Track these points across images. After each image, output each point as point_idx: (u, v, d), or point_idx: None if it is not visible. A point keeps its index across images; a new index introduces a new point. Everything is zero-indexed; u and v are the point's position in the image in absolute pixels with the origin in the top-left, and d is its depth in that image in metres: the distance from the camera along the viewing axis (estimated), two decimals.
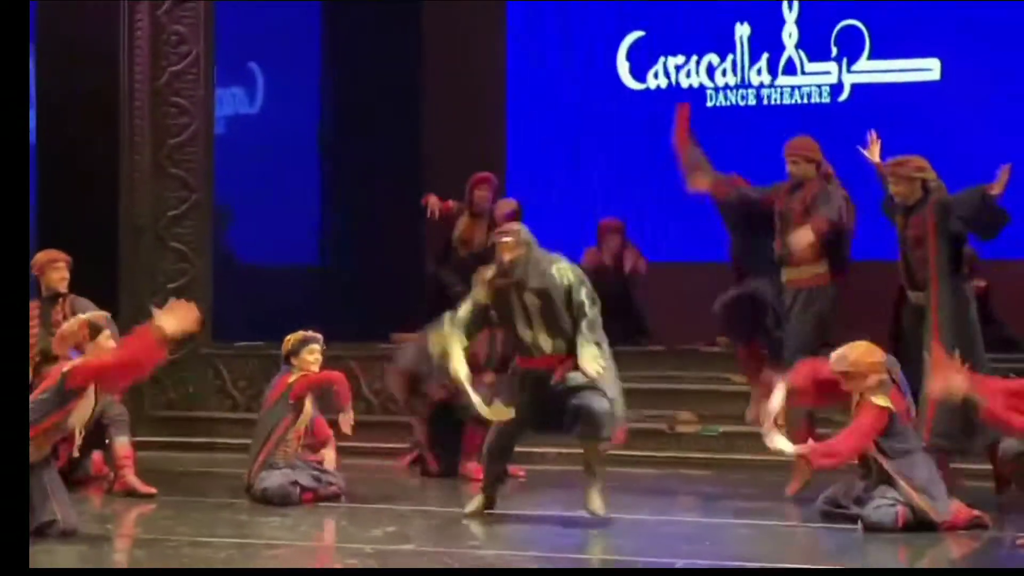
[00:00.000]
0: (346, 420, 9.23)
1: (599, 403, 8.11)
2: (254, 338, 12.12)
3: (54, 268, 9.99)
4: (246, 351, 12.26)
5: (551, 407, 8.26)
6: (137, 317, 11.53)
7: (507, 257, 8.24)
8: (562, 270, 8.25)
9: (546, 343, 8.23)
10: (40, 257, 10.01)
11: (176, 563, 7.22)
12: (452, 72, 14.06)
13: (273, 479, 9.13)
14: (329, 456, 9.49)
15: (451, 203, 11.28)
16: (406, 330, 12.45)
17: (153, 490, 9.49)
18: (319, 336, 9.36)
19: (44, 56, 12.58)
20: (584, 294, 8.19)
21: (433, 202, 11.21)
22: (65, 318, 9.67)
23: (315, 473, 9.30)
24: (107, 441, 9.72)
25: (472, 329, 8.31)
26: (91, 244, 10.60)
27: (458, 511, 8.65)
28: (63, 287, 9.98)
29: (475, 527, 8.34)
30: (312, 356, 9.33)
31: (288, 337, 9.39)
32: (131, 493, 9.46)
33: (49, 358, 9.72)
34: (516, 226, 8.50)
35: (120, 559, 7.83)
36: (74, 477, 9.75)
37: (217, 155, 12.68)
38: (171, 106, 12.57)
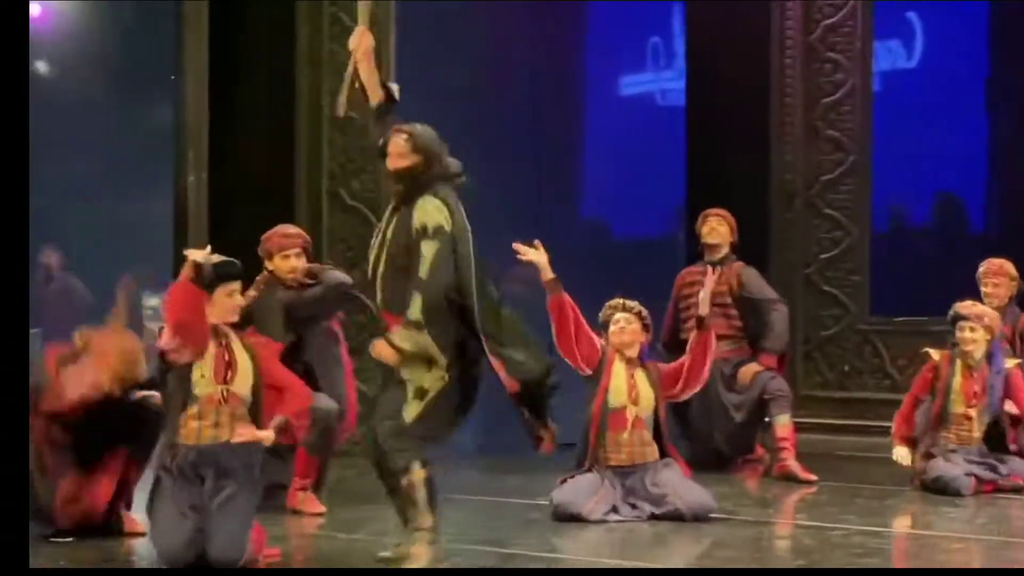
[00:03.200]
0: None
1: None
2: (917, 313, 11.92)
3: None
4: (907, 327, 12.07)
5: None
6: (786, 288, 11.65)
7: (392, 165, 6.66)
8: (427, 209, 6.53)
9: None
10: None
11: (843, 553, 7.20)
12: None
13: (943, 467, 8.96)
14: None
15: None
16: None
17: (813, 477, 9.51)
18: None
19: (694, 14, 12.86)
20: (427, 249, 6.48)
21: None
22: None
23: (992, 462, 9.05)
24: (767, 419, 9.82)
25: None
26: (740, 209, 10.66)
27: None
28: None
29: None
30: (968, 332, 9.14)
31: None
32: (790, 478, 9.51)
33: None
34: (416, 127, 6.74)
35: (782, 545, 7.90)
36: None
37: (875, 114, 12.54)
38: (825, 62, 12.53)
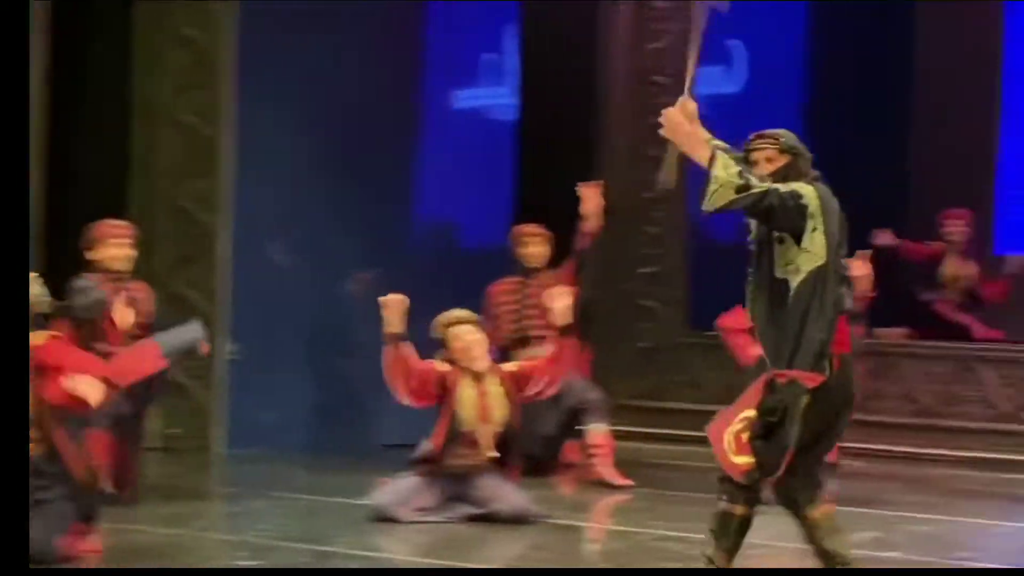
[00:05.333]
0: None
1: None
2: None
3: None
4: (720, 340, 12.19)
5: None
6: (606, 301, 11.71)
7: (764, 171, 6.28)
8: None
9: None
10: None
11: (652, 557, 7.27)
12: (947, 59, 13.58)
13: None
14: None
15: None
16: None
17: (628, 482, 9.57)
18: None
19: (528, 36, 12.94)
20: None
21: None
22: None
23: None
24: (581, 428, 9.83)
25: None
26: (566, 224, 10.70)
27: None
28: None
29: None
30: None
31: None
32: (605, 484, 9.56)
33: None
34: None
35: (594, 548, 7.95)
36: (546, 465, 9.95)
37: None
38: (651, 84, 12.67)
